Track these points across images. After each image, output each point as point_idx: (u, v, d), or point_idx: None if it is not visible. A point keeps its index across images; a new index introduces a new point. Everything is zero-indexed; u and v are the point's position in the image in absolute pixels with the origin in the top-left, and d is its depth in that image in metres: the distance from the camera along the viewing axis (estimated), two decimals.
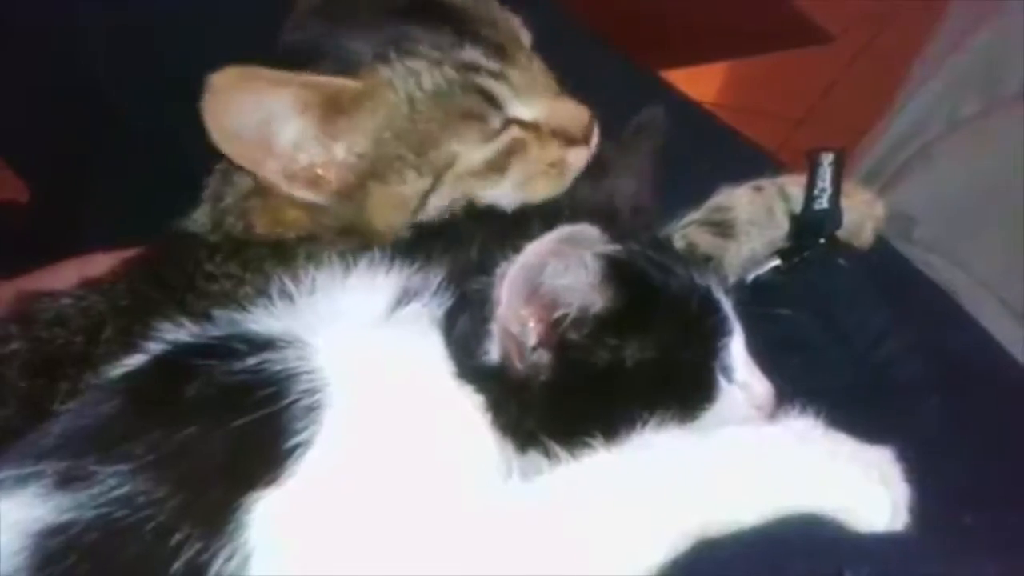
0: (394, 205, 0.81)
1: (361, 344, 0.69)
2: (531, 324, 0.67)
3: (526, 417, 0.68)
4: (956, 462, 0.74)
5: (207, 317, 0.73)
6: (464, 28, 0.82)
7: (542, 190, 0.82)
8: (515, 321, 0.67)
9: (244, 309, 0.72)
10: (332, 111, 0.79)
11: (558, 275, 0.66)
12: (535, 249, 0.65)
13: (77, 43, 1.15)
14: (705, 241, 0.85)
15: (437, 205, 0.81)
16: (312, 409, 0.64)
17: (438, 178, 0.80)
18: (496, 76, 0.81)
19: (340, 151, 0.80)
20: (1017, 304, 1.35)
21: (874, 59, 2.63)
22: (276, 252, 0.81)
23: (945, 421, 0.77)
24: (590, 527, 0.62)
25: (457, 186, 0.81)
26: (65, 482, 0.62)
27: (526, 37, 0.86)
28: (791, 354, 0.77)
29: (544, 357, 0.68)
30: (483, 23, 0.83)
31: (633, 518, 0.62)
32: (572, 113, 0.83)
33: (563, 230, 0.65)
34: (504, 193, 0.82)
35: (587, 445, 0.66)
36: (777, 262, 0.86)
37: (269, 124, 0.78)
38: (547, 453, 0.67)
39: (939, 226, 1.36)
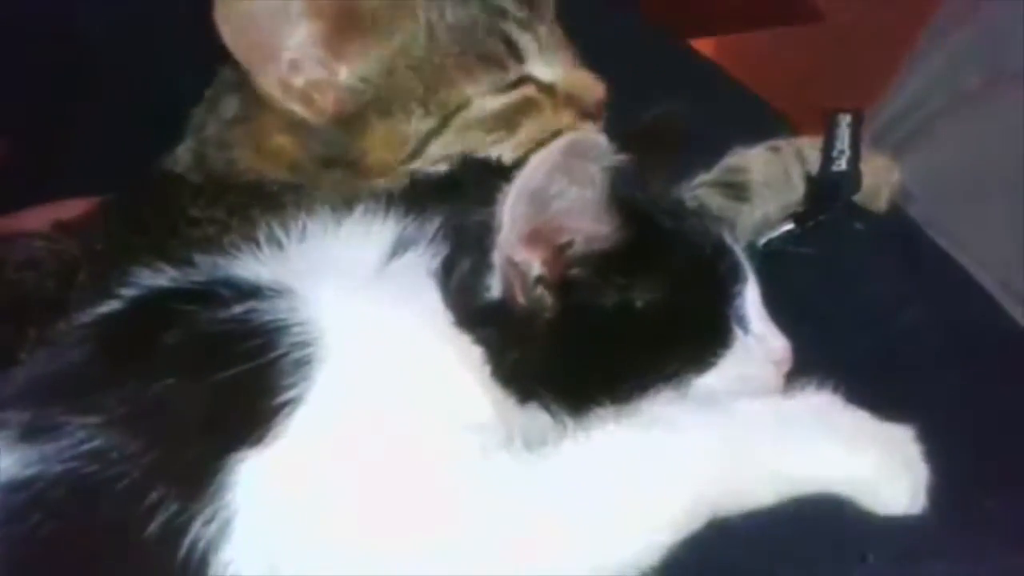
0: (393, 142, 0.76)
1: (354, 295, 0.64)
2: (535, 253, 0.62)
3: (528, 364, 0.63)
4: (975, 440, 0.71)
5: (188, 262, 0.68)
6: None
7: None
8: (518, 248, 0.62)
9: (229, 254, 0.67)
10: (345, 27, 0.75)
11: (563, 194, 0.61)
12: (538, 162, 0.60)
13: None
14: (718, 203, 0.81)
15: (438, 153, 0.76)
16: (303, 364, 0.59)
17: (445, 121, 0.76)
18: (523, 25, 0.77)
19: (344, 73, 0.76)
20: (1018, 286, 1.32)
21: (864, 38, 2.59)
22: (261, 198, 0.76)
23: (964, 397, 0.74)
24: (599, 504, 0.58)
25: (462, 135, 0.76)
26: (30, 433, 0.58)
27: (551, 2, 0.82)
28: (803, 321, 0.73)
29: (548, 297, 0.63)
30: None
31: (644, 496, 0.58)
32: (590, 85, 0.80)
33: (568, 137, 0.60)
34: (506, 155, 0.77)
35: (593, 401, 0.63)
36: (791, 226, 0.82)
37: (279, 24, 0.74)
38: (548, 409, 0.63)
39: (938, 204, 1.32)
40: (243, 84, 0.80)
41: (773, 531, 0.59)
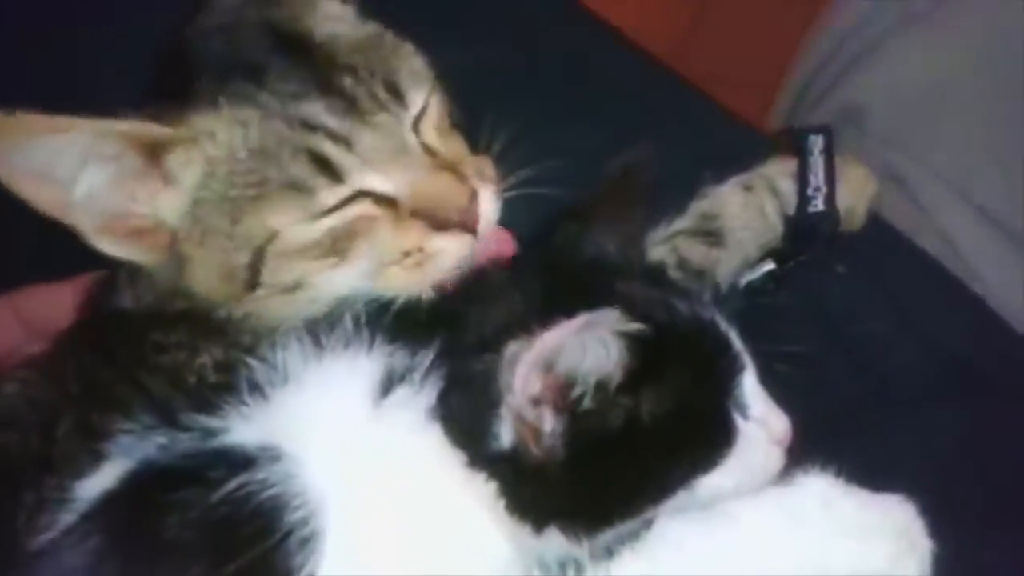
0: (220, 274, 0.70)
1: (352, 448, 0.63)
2: (547, 409, 0.62)
3: (542, 495, 0.64)
4: (970, 480, 0.72)
5: (172, 420, 0.66)
6: (321, 74, 0.68)
7: (398, 283, 0.69)
8: (530, 408, 0.62)
9: (214, 410, 0.65)
10: (149, 159, 0.68)
11: (576, 356, 0.61)
12: (552, 340, 0.60)
13: None
14: (697, 254, 0.79)
15: (274, 280, 0.70)
16: (308, 540, 0.59)
17: (259, 254, 0.68)
18: (339, 139, 0.67)
19: (151, 199, 0.69)
20: (976, 198, 1.33)
21: None
22: (213, 330, 0.72)
23: (957, 434, 0.75)
24: None
25: (286, 264, 0.69)
26: None
27: (421, 82, 0.72)
28: (793, 370, 0.73)
29: (559, 439, 0.63)
30: (347, 70, 0.69)
31: None
32: (446, 190, 0.68)
33: (583, 320, 0.60)
34: (350, 281, 0.69)
35: (607, 519, 0.64)
36: (771, 266, 0.80)
37: (56, 170, 0.67)
38: (564, 532, 0.64)
39: (893, 118, 1.32)
40: None
41: None
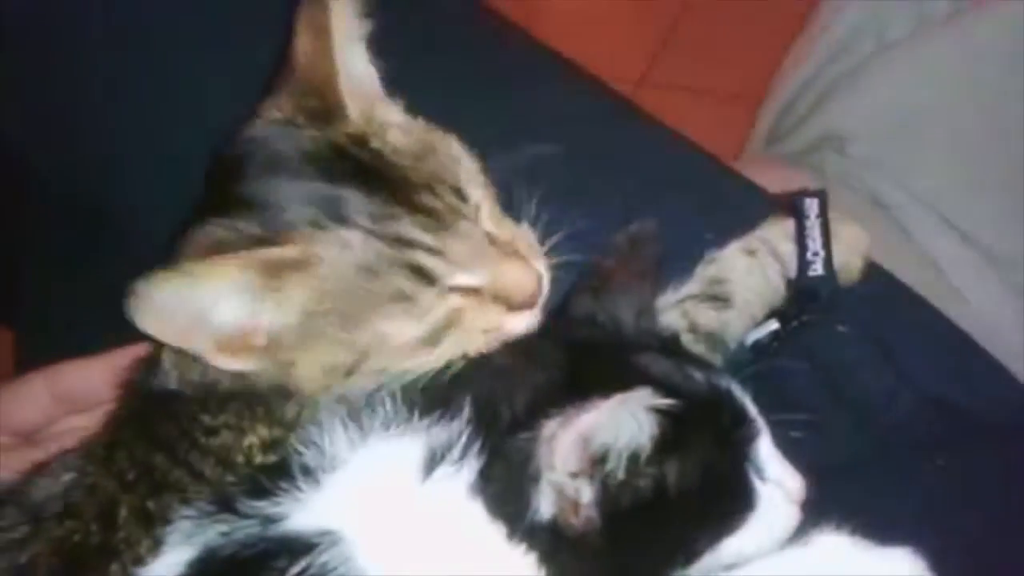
0: (323, 371, 0.76)
1: (403, 529, 0.68)
2: (584, 482, 0.67)
3: (579, 561, 0.69)
4: (962, 531, 0.77)
5: (231, 507, 0.71)
6: (403, 194, 0.76)
7: (472, 351, 0.77)
8: (569, 484, 0.67)
9: (270, 496, 0.70)
10: (268, 277, 0.74)
11: (610, 433, 0.67)
12: (590, 420, 0.65)
13: None
14: (707, 318, 0.84)
15: (369, 371, 0.76)
16: None
17: (364, 355, 0.76)
18: (433, 252, 0.75)
19: (268, 316, 0.75)
20: (958, 222, 1.38)
21: None
22: (261, 410, 0.77)
23: (959, 481, 0.80)
24: None
25: (386, 358, 0.76)
26: None
27: (475, 178, 0.80)
28: (797, 429, 0.78)
29: (595, 509, 0.68)
30: (424, 187, 0.77)
31: None
32: (518, 279, 0.77)
33: (618, 399, 0.65)
34: (431, 361, 0.77)
35: None
36: (776, 326, 0.85)
37: (206, 309, 0.73)
38: None
39: (875, 144, 1.37)
40: None
41: None
